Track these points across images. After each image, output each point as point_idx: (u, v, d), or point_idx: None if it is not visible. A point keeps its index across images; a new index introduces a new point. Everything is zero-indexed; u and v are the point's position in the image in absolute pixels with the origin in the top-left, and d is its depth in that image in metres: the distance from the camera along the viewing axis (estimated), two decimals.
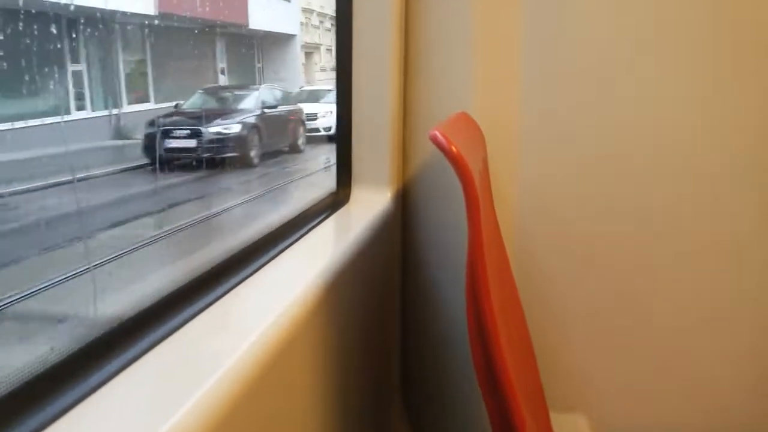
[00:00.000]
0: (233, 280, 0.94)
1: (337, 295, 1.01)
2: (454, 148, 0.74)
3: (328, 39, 10.04)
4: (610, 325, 1.45)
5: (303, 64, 7.65)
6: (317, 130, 6.17)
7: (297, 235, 1.19)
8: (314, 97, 6.89)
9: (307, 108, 6.16)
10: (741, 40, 1.32)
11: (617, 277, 1.43)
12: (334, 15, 1.47)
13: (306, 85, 7.63)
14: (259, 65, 6.77)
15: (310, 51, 8.14)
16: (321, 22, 8.24)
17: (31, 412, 0.57)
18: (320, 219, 1.32)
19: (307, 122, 6.10)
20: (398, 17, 1.38)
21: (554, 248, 1.44)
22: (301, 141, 6.00)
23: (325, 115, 6.12)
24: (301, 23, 7.60)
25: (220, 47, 5.66)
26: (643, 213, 1.39)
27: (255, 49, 6.67)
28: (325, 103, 6.43)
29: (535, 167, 1.42)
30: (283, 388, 0.83)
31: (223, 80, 5.79)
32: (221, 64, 5.67)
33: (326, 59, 10.03)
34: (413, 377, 1.57)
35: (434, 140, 0.76)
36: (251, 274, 0.98)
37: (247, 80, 6.51)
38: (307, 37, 7.85)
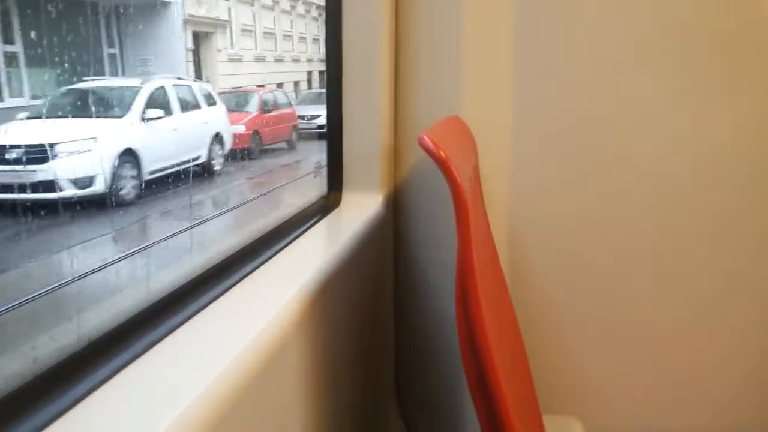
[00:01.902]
0: (223, 286, 0.96)
1: (328, 299, 1.06)
2: (442, 153, 0.78)
3: (248, 15, 7.44)
4: (604, 328, 1.47)
5: (191, 49, 4.91)
6: (50, 186, 2.32)
7: (287, 240, 1.20)
8: (92, 103, 2.91)
9: (28, 135, 2.26)
10: (734, 40, 1.37)
11: (611, 279, 1.45)
12: None
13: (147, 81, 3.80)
14: (112, 50, 4.23)
15: (207, 30, 5.37)
16: None
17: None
18: (311, 224, 1.33)
19: (28, 171, 2.24)
20: (389, 21, 1.44)
21: (547, 250, 1.46)
22: None
23: (79, 149, 2.31)
24: None
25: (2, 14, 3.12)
26: (636, 215, 1.42)
27: (101, 24, 4.12)
28: (98, 117, 2.60)
29: (526, 169, 1.44)
30: (275, 394, 0.86)
31: (16, 76, 3.27)
32: (5, 47, 3.12)
33: (247, 44, 7.44)
34: (407, 381, 1.60)
35: (423, 145, 0.80)
36: (240, 280, 0.99)
37: (86, 74, 3.97)
38: (200, 9, 5.18)
